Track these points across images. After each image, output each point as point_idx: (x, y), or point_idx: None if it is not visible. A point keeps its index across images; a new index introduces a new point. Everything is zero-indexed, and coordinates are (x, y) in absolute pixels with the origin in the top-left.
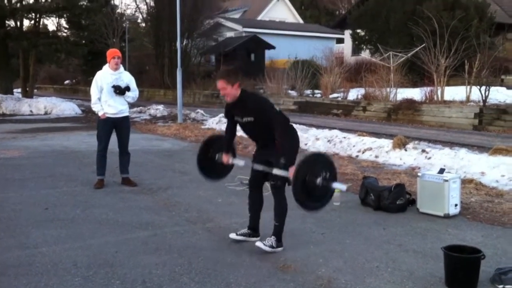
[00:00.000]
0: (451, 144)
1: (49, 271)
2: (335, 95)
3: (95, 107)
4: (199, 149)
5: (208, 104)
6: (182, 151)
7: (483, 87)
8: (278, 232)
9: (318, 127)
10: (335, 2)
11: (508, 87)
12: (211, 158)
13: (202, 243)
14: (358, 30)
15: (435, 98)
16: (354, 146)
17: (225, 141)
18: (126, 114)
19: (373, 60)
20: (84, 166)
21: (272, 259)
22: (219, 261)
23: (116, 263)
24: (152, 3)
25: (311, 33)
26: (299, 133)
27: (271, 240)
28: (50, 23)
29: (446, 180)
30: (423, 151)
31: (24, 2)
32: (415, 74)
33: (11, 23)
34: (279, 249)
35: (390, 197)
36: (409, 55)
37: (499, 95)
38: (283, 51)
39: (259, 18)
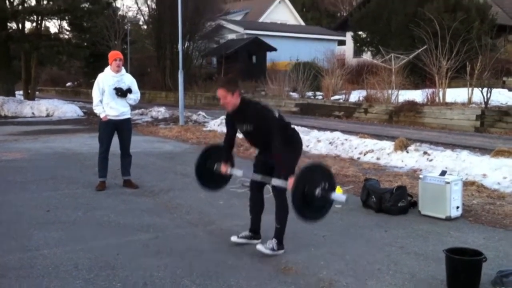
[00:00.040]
0: (452, 146)
1: (50, 273)
2: (336, 97)
3: (97, 109)
4: (197, 159)
5: (209, 106)
6: (184, 153)
7: (485, 89)
8: (279, 235)
9: (319, 129)
10: (336, 4)
11: (510, 89)
12: (209, 168)
13: (204, 245)
14: (360, 32)
15: (437, 100)
16: (355, 148)
17: (223, 151)
18: (128, 116)
19: (374, 62)
20: (86, 168)
21: (273, 262)
22: (220, 264)
23: (117, 265)
24: (153, 6)
25: (312, 35)
26: (301, 136)
27: (272, 243)
28: (52, 25)
29: (448, 182)
30: (425, 153)
31: (26, 5)
32: (417, 76)
33: (13, 25)
34: (280, 251)
35: (391, 199)
36: (410, 57)
37: (500, 97)
38: (285, 53)
39: (261, 20)
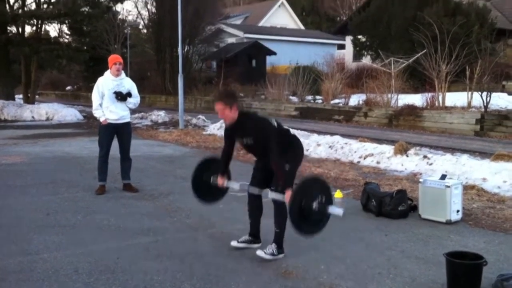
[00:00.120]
0: (452, 150)
1: (50, 277)
2: (336, 101)
3: (97, 113)
4: (193, 172)
5: (209, 110)
6: (184, 157)
7: (484, 93)
8: (278, 239)
9: (319, 133)
10: (336, 8)
11: (510, 93)
12: (206, 181)
13: (204, 249)
14: (359, 36)
15: (436, 104)
16: (355, 152)
17: (221, 163)
18: (128, 120)
19: (374, 66)
20: (86, 172)
21: (273, 266)
22: (220, 267)
23: (117, 269)
24: (153, 9)
25: (312, 39)
26: (300, 139)
27: (272, 247)
28: (52, 29)
29: (448, 186)
30: (425, 157)
31: (26, 8)
32: (416, 80)
33: (13, 29)
34: (280, 255)
35: (391, 203)
36: (410, 61)
37: (500, 101)
38: (284, 57)
39: (260, 24)
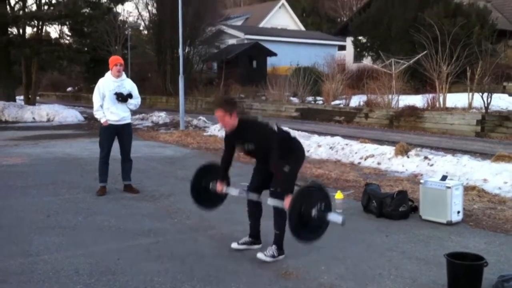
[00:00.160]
0: (453, 151)
1: (51, 278)
2: (337, 102)
3: (97, 114)
4: (192, 178)
5: (210, 111)
6: (184, 158)
7: (485, 94)
8: (278, 240)
9: (320, 134)
10: (336, 9)
11: (510, 94)
12: (205, 187)
13: (204, 250)
14: (360, 37)
15: (437, 105)
16: (356, 153)
17: (220, 170)
18: (128, 121)
19: (375, 67)
20: (86, 173)
21: (274, 267)
22: (221, 269)
23: (118, 270)
24: (154, 11)
25: (312, 40)
26: (301, 140)
27: (272, 249)
28: (53, 30)
29: (449, 187)
30: (426, 158)
31: (26, 10)
32: (417, 81)
33: (14, 30)
34: (281, 257)
35: (392, 204)
36: (411, 62)
37: (501, 102)
38: (285, 58)
39: (261, 25)
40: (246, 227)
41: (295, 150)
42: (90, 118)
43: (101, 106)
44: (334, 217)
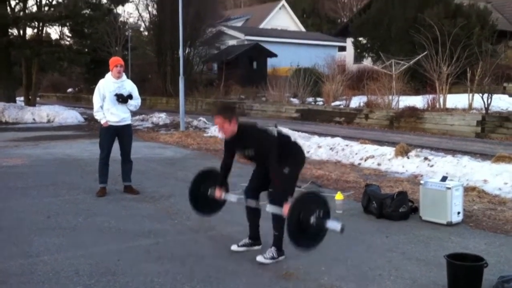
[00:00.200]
0: (453, 151)
1: (51, 279)
2: (337, 103)
3: (98, 115)
4: (190, 184)
5: (210, 112)
6: (185, 159)
7: (485, 95)
8: (277, 242)
9: (320, 135)
10: (336, 10)
11: (510, 95)
12: (203, 193)
13: (204, 251)
14: (360, 38)
15: (437, 106)
16: (356, 153)
17: (220, 176)
18: (129, 122)
19: (375, 68)
20: (87, 174)
21: (274, 267)
22: (221, 270)
23: (118, 271)
24: (154, 12)
25: (313, 41)
26: (301, 141)
27: (272, 251)
28: (53, 31)
29: (449, 188)
30: (426, 158)
31: (27, 11)
32: (417, 81)
33: (14, 31)
34: (281, 258)
35: (392, 205)
36: (411, 63)
37: (501, 102)
38: (285, 59)
39: (261, 26)
40: (246, 228)
41: (295, 154)
42: (90, 119)
43: (101, 107)
44: (333, 224)
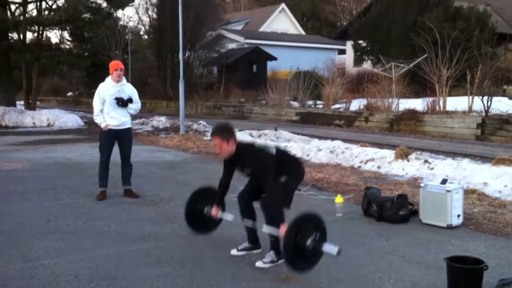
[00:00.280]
0: (453, 154)
1: (51, 283)
2: (337, 106)
3: (98, 119)
4: (187, 201)
5: (210, 115)
6: (185, 163)
7: (485, 97)
8: (275, 246)
9: (320, 138)
10: (336, 13)
11: (510, 97)
12: (199, 211)
13: (204, 254)
14: (360, 41)
15: (437, 109)
16: (356, 156)
17: (217, 194)
18: (128, 125)
19: (375, 71)
20: (87, 178)
21: (274, 271)
22: (221, 273)
23: (118, 275)
24: (154, 15)
25: (313, 44)
26: (301, 144)
27: (271, 255)
28: (53, 35)
29: (449, 191)
30: (426, 161)
31: (27, 15)
32: (417, 84)
33: (14, 35)
34: (280, 261)
35: (392, 208)
36: (411, 65)
37: (501, 105)
38: (285, 62)
39: (261, 29)
40: (245, 231)
41: (294, 166)
42: (90, 123)
43: (101, 111)
44: (330, 248)
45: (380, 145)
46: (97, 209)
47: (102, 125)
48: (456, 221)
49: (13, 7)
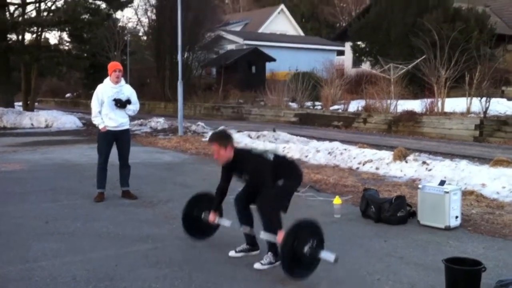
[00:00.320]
0: (451, 155)
1: (49, 285)
2: (335, 107)
3: (96, 120)
4: (184, 207)
5: (209, 116)
6: (183, 164)
7: (484, 99)
8: (273, 248)
9: (318, 139)
10: (335, 14)
11: (509, 99)
12: (197, 216)
13: (203, 256)
14: (359, 42)
15: (436, 110)
16: (354, 158)
17: (215, 200)
18: (127, 127)
19: (373, 72)
20: (85, 179)
21: (272, 273)
22: (219, 275)
23: (116, 276)
24: (153, 17)
25: (311, 46)
26: (300, 146)
27: (269, 257)
28: (52, 36)
29: (447, 192)
30: (424, 163)
31: (26, 16)
32: (416, 85)
33: (13, 36)
34: (278, 262)
35: (390, 209)
36: (409, 67)
37: (499, 106)
38: (284, 63)
39: (260, 30)
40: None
41: (292, 169)
42: (89, 124)
43: (100, 112)
44: (327, 255)
45: (378, 147)
46: (95, 211)
47: (101, 127)
48: (454, 223)
49: (12, 8)
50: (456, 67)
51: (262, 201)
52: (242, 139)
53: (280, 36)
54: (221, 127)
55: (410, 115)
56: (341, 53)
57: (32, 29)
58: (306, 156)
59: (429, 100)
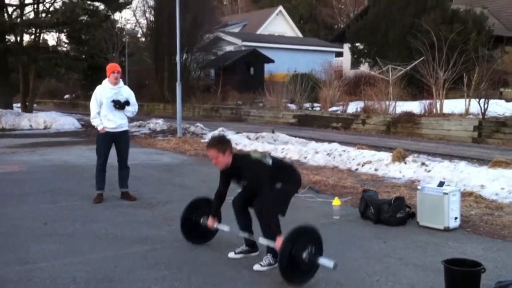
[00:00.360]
0: (450, 157)
1: (48, 286)
2: (334, 108)
3: (95, 121)
4: (183, 211)
5: (207, 118)
6: (182, 165)
7: (482, 100)
8: (272, 249)
9: (317, 140)
10: (333, 16)
11: (507, 100)
12: (195, 221)
13: (202, 257)
14: (357, 44)
15: (434, 111)
16: (353, 159)
17: (213, 205)
18: (126, 128)
19: (372, 73)
20: (84, 180)
21: (271, 274)
22: (218, 276)
23: (115, 278)
24: (152, 18)
25: (310, 47)
26: (298, 147)
27: (268, 258)
28: (50, 38)
29: (446, 193)
30: (423, 164)
31: (24, 17)
32: (414, 87)
33: (11, 38)
34: (277, 264)
35: (390, 211)
36: (408, 68)
37: (498, 107)
38: (283, 64)
39: (259, 32)
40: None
41: (290, 173)
42: (87, 126)
43: (98, 113)
44: (325, 261)
45: (377, 148)
46: (94, 212)
47: (99, 128)
48: (453, 224)
49: (10, 9)
50: (454, 69)
51: (260, 206)
52: (241, 140)
53: (279, 38)
54: (220, 129)
55: (409, 117)
56: (339, 54)
57: (30, 30)
58: (305, 157)
59: (427, 102)
